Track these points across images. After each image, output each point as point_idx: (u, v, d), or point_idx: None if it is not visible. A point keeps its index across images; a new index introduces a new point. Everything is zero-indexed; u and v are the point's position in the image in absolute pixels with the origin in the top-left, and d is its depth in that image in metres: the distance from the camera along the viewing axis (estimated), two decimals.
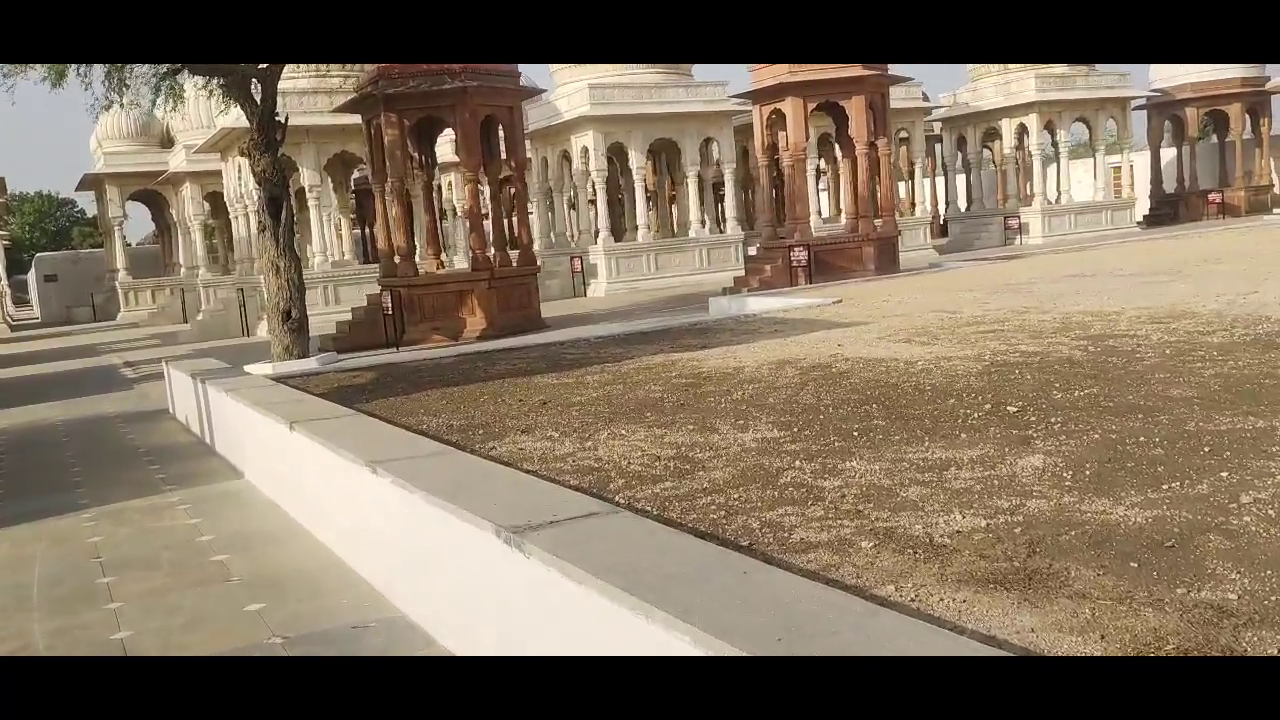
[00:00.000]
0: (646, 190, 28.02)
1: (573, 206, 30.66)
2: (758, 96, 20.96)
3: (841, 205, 29.24)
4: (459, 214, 33.64)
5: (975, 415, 6.40)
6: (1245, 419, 5.62)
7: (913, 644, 2.49)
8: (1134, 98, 33.85)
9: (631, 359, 10.91)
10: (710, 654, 2.57)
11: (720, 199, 30.08)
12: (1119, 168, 35.46)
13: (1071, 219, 32.30)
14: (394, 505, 5.00)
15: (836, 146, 26.28)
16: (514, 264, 18.45)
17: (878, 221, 20.70)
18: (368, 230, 38.51)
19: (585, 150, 26.41)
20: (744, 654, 2.47)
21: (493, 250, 17.95)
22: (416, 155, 18.58)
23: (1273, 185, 36.34)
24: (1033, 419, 6.13)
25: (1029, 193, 33.63)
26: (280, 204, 14.73)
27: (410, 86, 16.41)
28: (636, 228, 27.90)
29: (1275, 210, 33.67)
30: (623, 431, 6.93)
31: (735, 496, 4.98)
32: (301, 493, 7.06)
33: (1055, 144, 32.16)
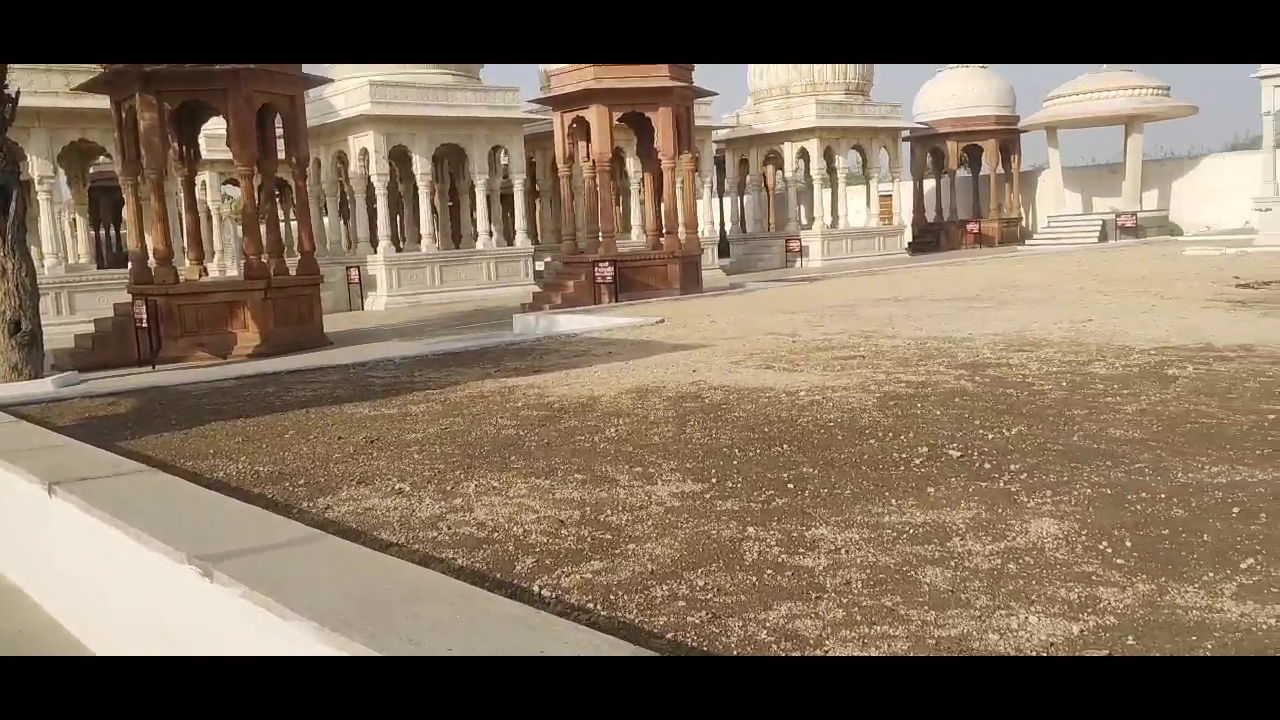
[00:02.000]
0: (431, 199, 26.25)
1: (348, 213, 28.44)
2: (559, 103, 19.82)
3: (643, 221, 28.59)
4: (221, 217, 30.69)
5: (917, 461, 5.47)
6: (1234, 469, 4.94)
7: None
8: (904, 129, 35.17)
9: (456, 385, 9.46)
10: None
11: (509, 210, 28.72)
12: (889, 195, 36.79)
13: (848, 243, 33.07)
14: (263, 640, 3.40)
15: (636, 160, 25.62)
16: (293, 273, 16.42)
17: (682, 238, 20.01)
18: (107, 231, 34.57)
19: (365, 152, 24.39)
20: None
21: (267, 257, 15.86)
22: (177, 145, 16.24)
23: (1021, 218, 38.77)
24: (988, 466, 5.27)
25: (811, 216, 34.21)
26: (9, 194, 12.26)
27: (174, 65, 14.17)
28: (420, 238, 26.10)
29: (1027, 241, 35.82)
30: (494, 483, 5.56)
31: (702, 585, 3.77)
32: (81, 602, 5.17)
33: (833, 169, 32.86)
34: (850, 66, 33.00)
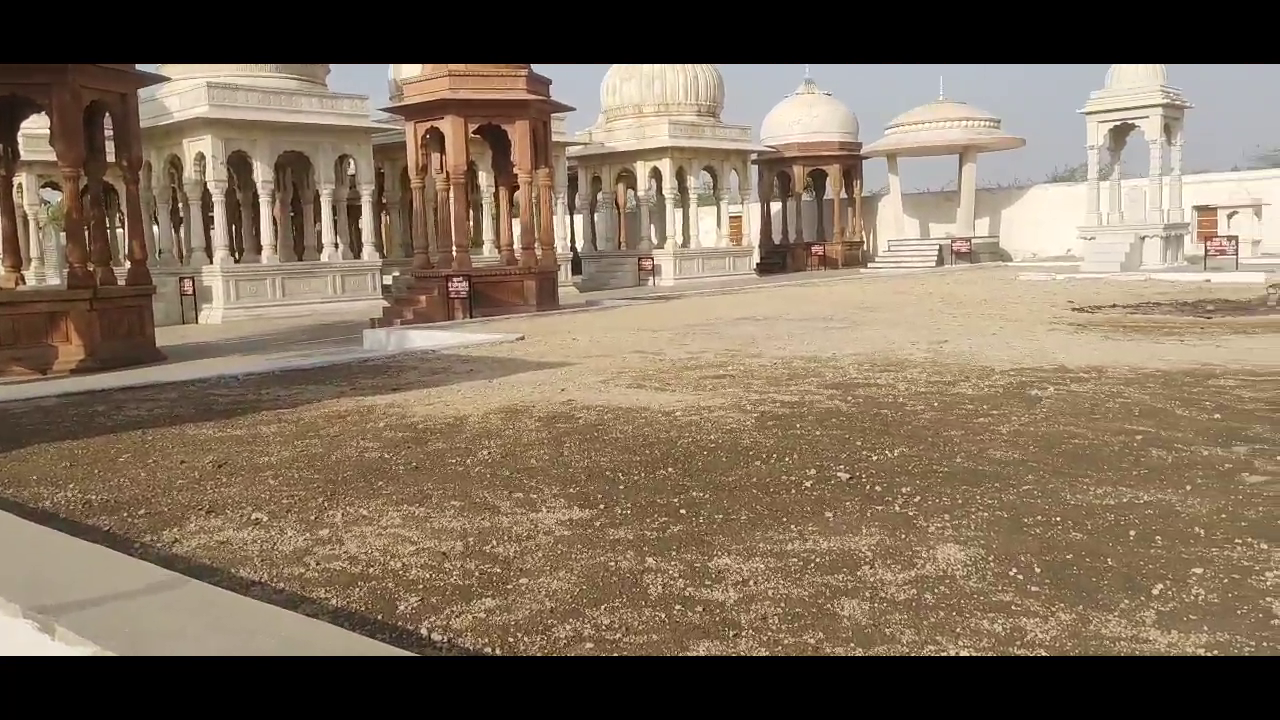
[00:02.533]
0: (273, 208, 25.05)
1: (180, 221, 26.92)
2: (412, 112, 19.21)
3: (497, 236, 28.09)
4: (39, 223, 28.61)
5: (807, 484, 5.34)
6: (1118, 489, 4.99)
7: None
8: (753, 151, 35.81)
9: (309, 403, 8.89)
10: None
11: (356, 222, 27.81)
12: (738, 217, 37.34)
13: (700, 262, 33.36)
14: None
15: (489, 173, 25.23)
16: (122, 282, 15.30)
17: (539, 254, 19.66)
18: None
19: (201, 157, 23.10)
20: None
21: (93, 265, 14.73)
22: None
23: (863, 241, 40.01)
24: (879, 489, 5.18)
25: (663, 235, 34.41)
26: None
27: None
28: (260, 249, 24.91)
29: (869, 264, 36.97)
30: (363, 511, 5.14)
31: (608, 624, 3.49)
32: None
33: (685, 189, 33.12)
34: (702, 88, 33.39)
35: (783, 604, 3.61)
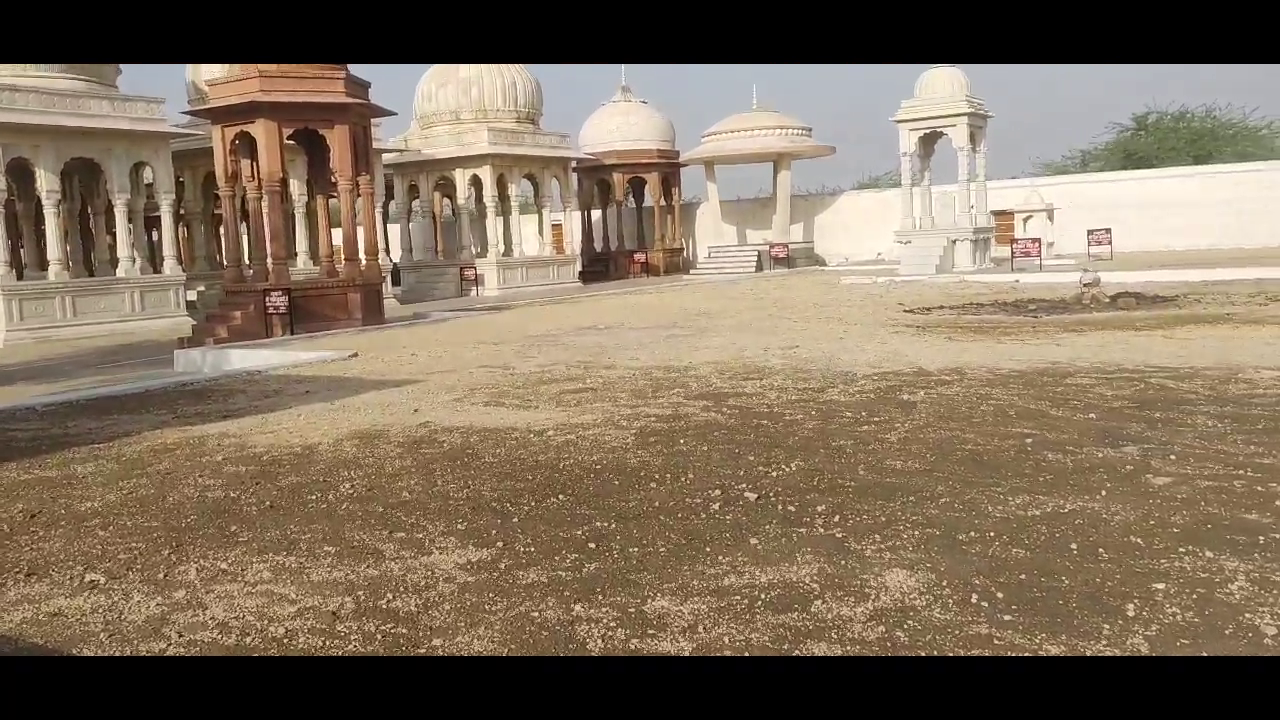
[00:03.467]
0: (60, 220, 22.91)
1: None
2: (220, 115, 17.89)
3: (310, 247, 26.69)
4: None
5: (715, 507, 5.00)
6: (1035, 499, 4.86)
7: None
8: (573, 159, 35.49)
9: (127, 436, 7.94)
10: None
11: (154, 234, 25.89)
12: (559, 225, 36.97)
13: (524, 271, 32.78)
14: None
15: (298, 181, 24.04)
16: None
17: (362, 265, 18.68)
18: None
19: None
20: None
21: None
22: None
23: (684, 248, 40.38)
24: (794, 509, 4.89)
25: (484, 244, 33.65)
26: None
27: None
28: (46, 264, 22.79)
29: (691, 270, 37.30)
30: (222, 565, 4.46)
31: None
32: None
33: (506, 197, 32.47)
34: (520, 94, 32.87)
35: (745, 652, 3.22)
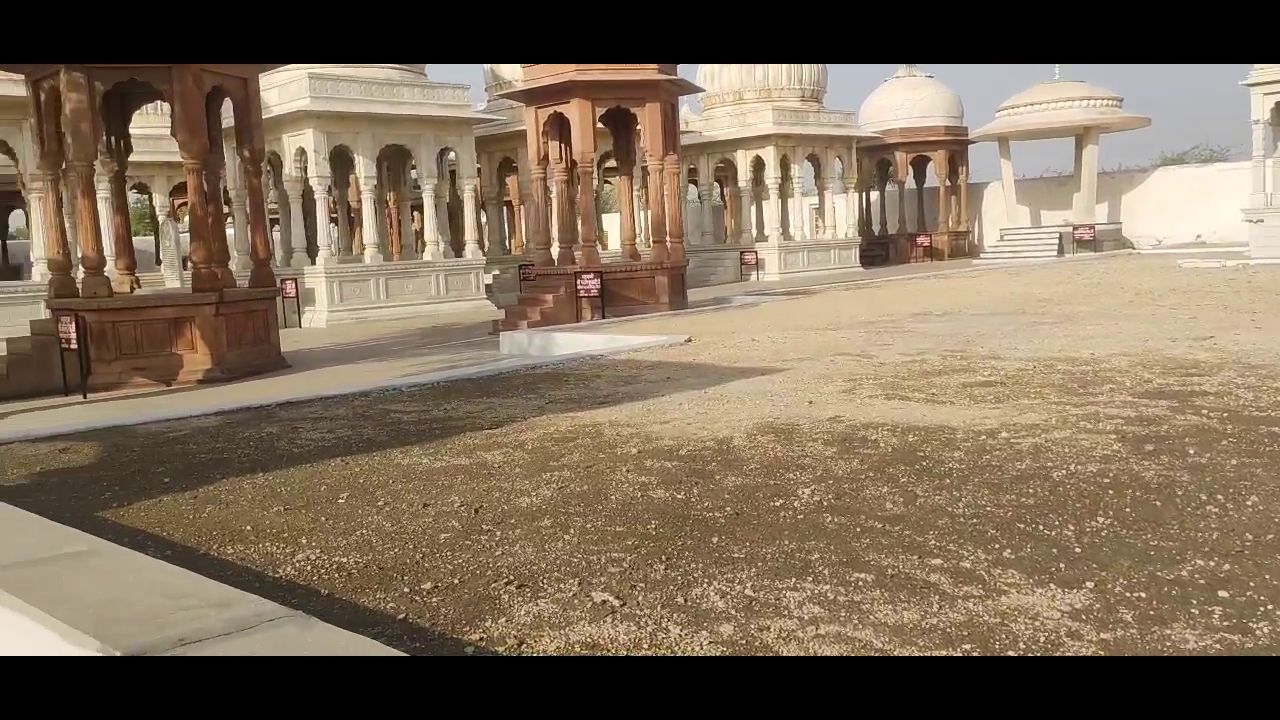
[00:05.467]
0: (374, 204, 23.89)
1: (275, 220, 25.96)
2: (533, 97, 17.88)
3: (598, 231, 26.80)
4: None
5: None
6: None
7: None
8: (857, 138, 34.03)
9: (514, 422, 7.53)
10: None
11: (454, 219, 26.65)
12: (834, 208, 35.63)
13: (805, 255, 31.74)
14: None
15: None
16: (238, 284, 14.16)
17: (669, 248, 18.23)
18: (6, 240, 31.37)
19: (302, 152, 22.02)
20: None
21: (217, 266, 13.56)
22: (106, 136, 13.86)
23: (970, 231, 38.07)
24: None
25: (761, 228, 32.87)
26: None
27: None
28: (362, 248, 23.82)
29: (981, 255, 35.06)
30: (746, 591, 3.73)
31: None
32: None
33: (788, 178, 31.47)
34: (805, 72, 31.79)
35: None
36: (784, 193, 31.99)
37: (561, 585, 3.89)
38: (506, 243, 32.47)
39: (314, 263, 22.36)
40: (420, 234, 26.36)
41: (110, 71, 12.32)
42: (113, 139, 14.56)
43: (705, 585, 3.79)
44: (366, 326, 20.91)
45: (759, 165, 31.17)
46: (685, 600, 3.65)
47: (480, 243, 26.85)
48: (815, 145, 31.94)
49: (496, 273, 27.18)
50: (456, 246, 24.92)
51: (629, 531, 4.56)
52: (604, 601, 3.67)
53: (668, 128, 17.90)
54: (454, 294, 23.76)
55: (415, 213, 32.04)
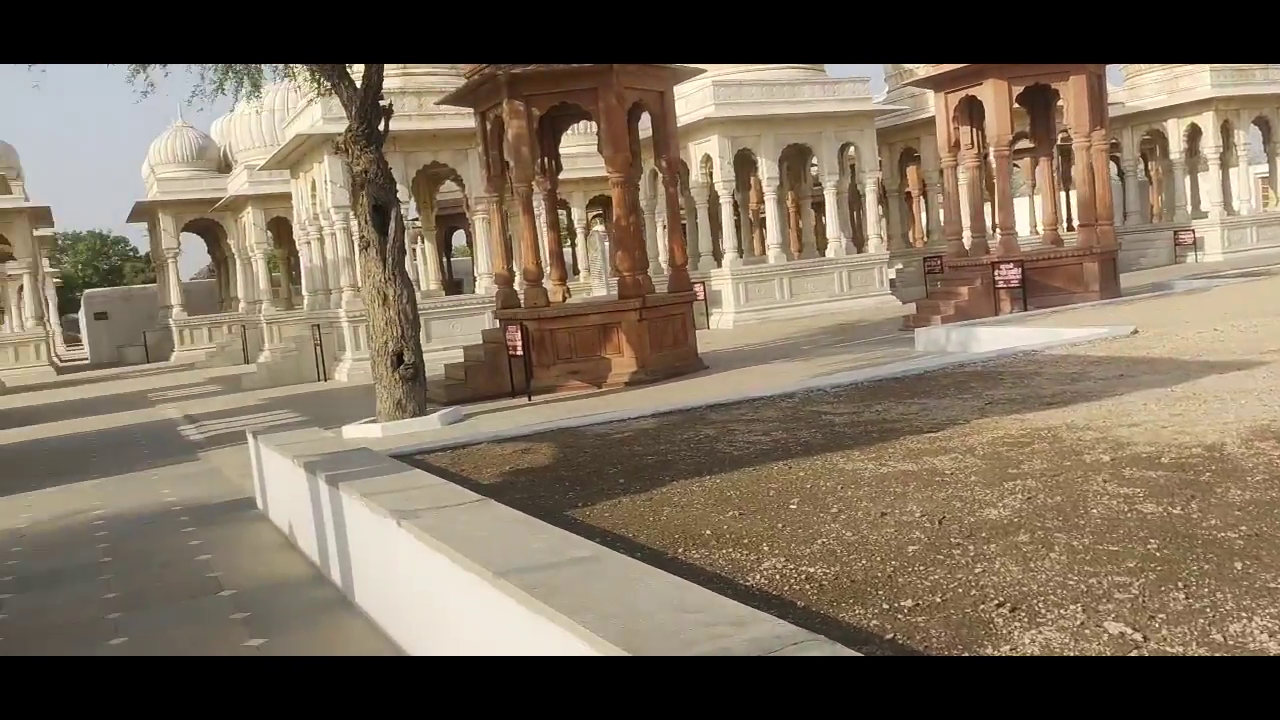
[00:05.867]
0: (776, 204, 24.19)
1: (680, 224, 26.99)
2: (941, 82, 17.16)
3: (1018, 215, 25.36)
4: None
5: None
6: None
7: None
8: None
9: (954, 425, 7.11)
10: None
11: (856, 213, 26.34)
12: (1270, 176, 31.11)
13: (1253, 232, 28.03)
14: None
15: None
16: (658, 289, 14.77)
17: (1098, 231, 16.74)
18: (449, 258, 35.39)
19: (707, 158, 22.75)
20: None
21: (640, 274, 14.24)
22: (541, 158, 15.03)
23: None
24: None
25: (1196, 203, 29.48)
26: (388, 213, 11.20)
27: (541, 65, 12.80)
28: (764, 249, 24.18)
29: None
30: None
31: None
32: None
33: (1230, 146, 27.92)
34: None
35: None
36: (1225, 163, 28.45)
37: (1062, 611, 3.49)
38: (908, 235, 31.64)
39: (720, 265, 22.97)
40: (820, 231, 26.28)
41: (544, 97, 13.33)
42: (545, 159, 15.76)
43: (1245, 620, 3.24)
44: (771, 326, 21.16)
45: (1194, 134, 27.95)
46: (1224, 638, 3.13)
47: (882, 236, 26.31)
48: (1265, 106, 28.11)
49: (899, 267, 26.51)
50: (858, 242, 24.61)
51: (1125, 552, 4.04)
52: (1121, 634, 3.24)
53: (1094, 101, 16.46)
54: (856, 290, 23.46)
55: (813, 210, 32.09)
